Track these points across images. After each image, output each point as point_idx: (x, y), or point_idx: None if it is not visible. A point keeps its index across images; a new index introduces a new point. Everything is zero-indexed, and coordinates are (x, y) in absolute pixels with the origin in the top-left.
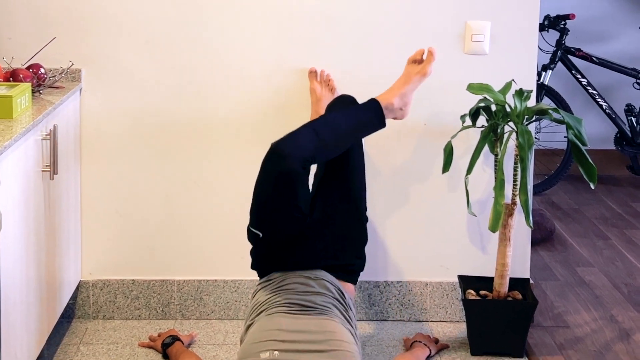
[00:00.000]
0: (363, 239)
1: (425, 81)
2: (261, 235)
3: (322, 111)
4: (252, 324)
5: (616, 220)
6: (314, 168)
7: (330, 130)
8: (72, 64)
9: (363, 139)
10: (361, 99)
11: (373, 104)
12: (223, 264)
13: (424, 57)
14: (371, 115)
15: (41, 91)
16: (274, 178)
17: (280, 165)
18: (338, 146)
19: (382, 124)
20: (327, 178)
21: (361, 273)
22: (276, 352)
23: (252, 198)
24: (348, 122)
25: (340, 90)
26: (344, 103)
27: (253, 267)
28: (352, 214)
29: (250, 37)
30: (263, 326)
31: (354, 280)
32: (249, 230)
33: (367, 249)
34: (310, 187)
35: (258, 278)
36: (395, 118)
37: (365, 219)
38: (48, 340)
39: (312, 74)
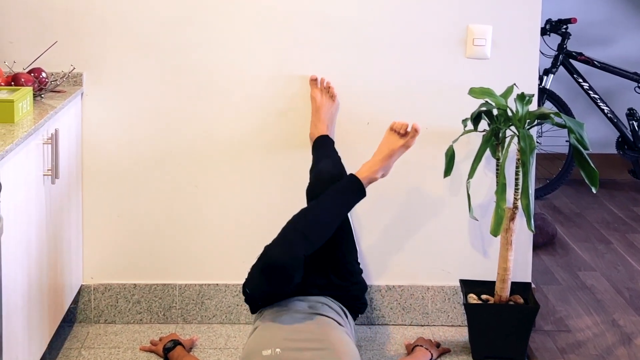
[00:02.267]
0: (362, 289)
1: (425, 84)
2: (260, 303)
3: (322, 120)
4: (256, 328)
5: (618, 225)
6: (305, 177)
7: (318, 226)
8: (74, 68)
9: (360, 141)
10: (362, 107)
11: (355, 184)
12: (224, 268)
13: (408, 129)
14: (354, 196)
15: (42, 95)
16: (269, 282)
17: (277, 273)
18: (327, 235)
19: (362, 197)
20: (318, 252)
21: (363, 276)
22: (278, 350)
23: (247, 280)
24: (333, 211)
25: (341, 97)
26: (324, 148)
27: (247, 302)
28: (347, 276)
29: (251, 42)
30: (267, 326)
31: (354, 317)
32: (244, 291)
33: (368, 252)
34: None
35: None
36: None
37: (360, 271)
38: (50, 344)
39: (313, 81)
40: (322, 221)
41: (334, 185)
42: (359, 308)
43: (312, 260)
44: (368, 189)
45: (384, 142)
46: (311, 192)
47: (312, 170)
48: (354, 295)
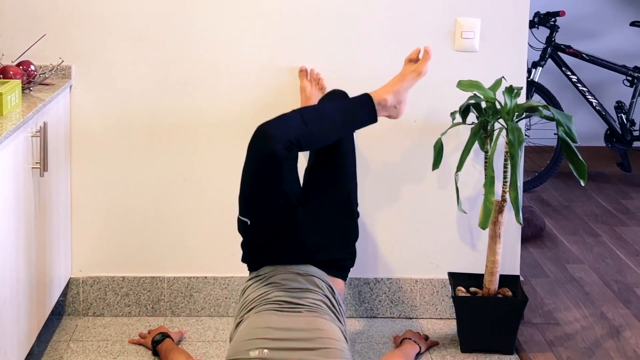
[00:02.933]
0: (354, 234)
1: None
2: (249, 222)
3: None
4: (241, 321)
5: (606, 217)
6: (303, 160)
7: (318, 117)
8: (62, 61)
9: (355, 135)
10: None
11: (364, 98)
12: (213, 261)
13: (420, 55)
14: (362, 109)
15: (31, 88)
16: (258, 159)
17: (264, 146)
18: (325, 135)
19: (373, 119)
20: (317, 169)
21: (351, 269)
22: (266, 351)
23: (240, 184)
24: (337, 113)
25: (330, 88)
26: (335, 96)
27: (243, 259)
28: (343, 208)
29: (239, 34)
30: (252, 324)
31: (344, 276)
32: (238, 220)
33: (357, 245)
34: (302, 181)
35: (248, 274)
36: (389, 116)
37: (357, 215)
38: (38, 337)
39: (302, 72)
40: (324, 117)
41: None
42: (348, 263)
43: (311, 190)
44: (358, 187)
45: (399, 73)
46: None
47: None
48: (344, 265)
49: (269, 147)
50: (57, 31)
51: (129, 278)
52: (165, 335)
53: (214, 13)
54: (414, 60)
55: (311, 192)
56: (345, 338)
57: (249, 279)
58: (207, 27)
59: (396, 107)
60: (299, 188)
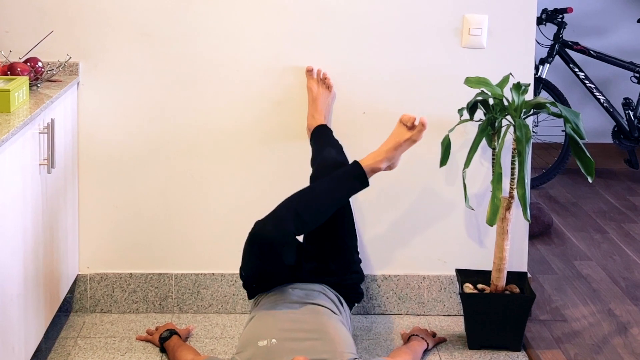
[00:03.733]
0: (359, 278)
1: (422, 74)
2: (254, 285)
3: (319, 110)
4: (251, 318)
5: (614, 214)
6: (307, 170)
7: (311, 205)
8: (70, 57)
9: (358, 133)
10: (358, 97)
11: (356, 170)
12: (220, 258)
13: (416, 123)
14: (354, 182)
15: (39, 85)
16: (258, 253)
17: (263, 246)
18: (321, 218)
19: (365, 186)
20: (316, 234)
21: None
22: (274, 340)
23: (242, 259)
24: (329, 194)
25: (337, 87)
26: (324, 141)
27: (245, 287)
28: (346, 265)
29: (247, 32)
30: (262, 318)
31: (350, 307)
32: (242, 278)
33: (365, 242)
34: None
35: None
36: (383, 171)
37: (359, 261)
38: (46, 334)
39: (309, 72)
40: (317, 202)
41: (336, 170)
42: (355, 298)
43: (311, 246)
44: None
45: (392, 133)
46: (315, 179)
47: (314, 159)
48: (351, 285)
49: (268, 246)
50: (64, 28)
51: (137, 275)
52: (172, 332)
53: (221, 10)
54: (408, 126)
55: (313, 256)
56: (351, 341)
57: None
58: (214, 24)
59: (389, 166)
60: (301, 246)
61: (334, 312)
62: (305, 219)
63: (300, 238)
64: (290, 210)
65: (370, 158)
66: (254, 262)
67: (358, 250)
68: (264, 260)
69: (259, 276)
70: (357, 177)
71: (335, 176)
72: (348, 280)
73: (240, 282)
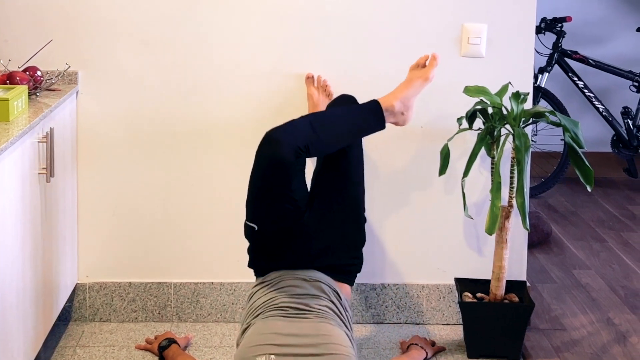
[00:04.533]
0: (361, 239)
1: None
2: (256, 227)
3: None
4: (248, 327)
5: (613, 223)
6: (310, 166)
7: (326, 124)
8: (69, 66)
9: (363, 141)
10: (359, 102)
11: (373, 104)
12: (220, 267)
13: (427, 62)
14: (370, 116)
15: (38, 94)
16: (266, 165)
17: (272, 152)
18: (334, 142)
19: (381, 125)
20: (325, 174)
21: (358, 275)
22: (272, 356)
23: (248, 190)
24: (346, 120)
25: (337, 95)
26: (344, 102)
27: (250, 264)
28: (350, 213)
29: (247, 39)
30: (259, 329)
31: (350, 281)
32: (245, 225)
33: (364, 251)
34: (309, 185)
35: (254, 280)
36: (396, 123)
37: (364, 220)
38: (44, 343)
39: (310, 79)
40: (332, 123)
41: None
42: (355, 268)
43: (320, 190)
44: (365, 192)
45: (405, 79)
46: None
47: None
48: (351, 270)
49: (277, 153)
50: (63, 37)
51: (136, 284)
52: (171, 341)
53: (221, 18)
54: (420, 65)
55: (319, 198)
56: (352, 344)
57: (256, 285)
58: (213, 32)
59: (403, 113)
60: (307, 193)
61: (335, 319)
62: (318, 134)
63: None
64: (305, 120)
65: (385, 96)
66: (260, 186)
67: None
68: (271, 183)
69: (264, 210)
70: (374, 112)
71: (353, 107)
72: (351, 268)
73: (240, 291)
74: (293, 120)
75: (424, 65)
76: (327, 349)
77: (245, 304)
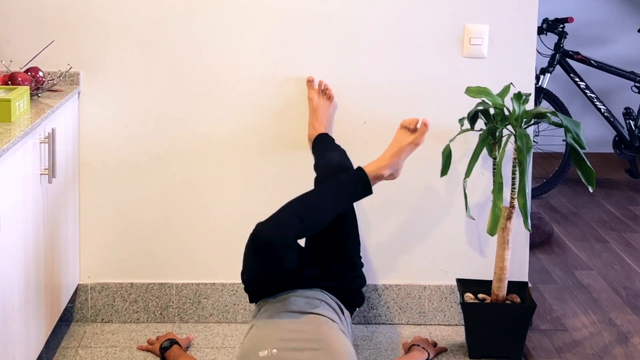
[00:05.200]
0: (361, 283)
1: (422, 84)
2: (255, 289)
3: (319, 121)
4: (251, 327)
5: (615, 224)
6: (310, 167)
7: (313, 210)
8: (71, 67)
9: (360, 141)
10: (359, 106)
11: (360, 176)
12: (221, 267)
13: (418, 126)
14: (357, 187)
15: (39, 94)
16: (260, 258)
17: (265, 250)
18: (323, 222)
19: (368, 193)
20: (319, 237)
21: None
22: (275, 351)
23: (243, 265)
24: (332, 199)
25: (338, 97)
26: (326, 147)
27: (247, 291)
28: (348, 269)
29: (247, 42)
30: (262, 327)
31: (351, 312)
32: (243, 281)
33: (366, 251)
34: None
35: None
36: (386, 179)
37: (361, 266)
38: (46, 343)
39: (310, 82)
40: (319, 207)
41: (340, 174)
42: (356, 302)
43: (314, 250)
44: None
45: (394, 139)
46: (320, 181)
47: (317, 164)
48: (352, 289)
49: (270, 250)
50: (65, 38)
51: (138, 284)
52: (173, 342)
53: (222, 20)
54: (410, 129)
55: (316, 259)
56: (352, 349)
57: (257, 305)
58: (215, 34)
59: (392, 174)
60: (302, 251)
61: (335, 321)
62: (307, 223)
63: (302, 242)
64: (292, 214)
65: (374, 164)
66: (255, 265)
67: (361, 255)
68: (264, 263)
69: (260, 280)
70: (361, 184)
71: (339, 182)
72: (350, 285)
73: (241, 292)
74: (280, 216)
75: (415, 129)
76: (328, 343)
77: (245, 305)
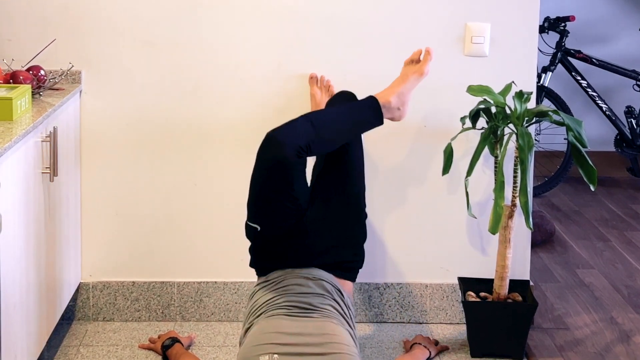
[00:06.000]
0: (362, 235)
1: (423, 81)
2: (259, 228)
3: None
4: (250, 326)
5: (616, 222)
6: (311, 162)
7: (327, 122)
8: (72, 65)
9: (363, 138)
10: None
11: (370, 100)
12: (223, 266)
13: (422, 57)
14: (368, 111)
15: (41, 93)
16: (268, 166)
17: (275, 153)
18: (334, 139)
19: (379, 121)
20: (326, 172)
21: (361, 273)
22: (275, 356)
23: (249, 190)
24: (345, 117)
25: None
26: (343, 98)
27: (251, 264)
28: (351, 210)
29: (250, 39)
30: (262, 328)
31: (352, 278)
32: (246, 226)
33: (367, 250)
34: (309, 182)
35: (256, 279)
36: (392, 118)
37: (365, 216)
38: (48, 342)
39: (313, 79)
40: (333, 122)
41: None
42: (357, 262)
43: (320, 187)
44: (369, 191)
45: (400, 74)
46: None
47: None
48: (355, 243)
49: (279, 153)
50: (67, 36)
51: (139, 283)
52: (175, 340)
53: (224, 18)
54: (415, 61)
55: (319, 195)
56: (355, 342)
57: (257, 284)
58: (217, 32)
59: (399, 108)
60: (308, 191)
61: (338, 318)
62: (320, 134)
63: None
64: (305, 121)
65: (382, 92)
66: (262, 187)
67: (366, 203)
68: (272, 183)
69: (267, 223)
70: (372, 108)
71: (351, 104)
72: (352, 236)
73: (243, 291)
74: (293, 121)
75: (419, 60)
76: (331, 348)
77: (247, 302)
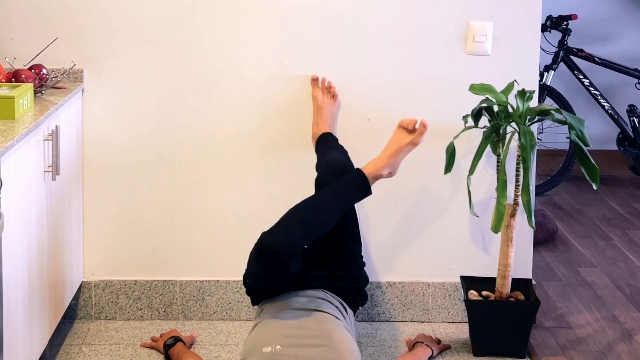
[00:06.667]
0: (364, 281)
1: (426, 81)
2: (259, 293)
3: (323, 119)
4: (255, 325)
5: (618, 221)
6: (312, 174)
7: (317, 218)
8: (74, 64)
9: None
10: (363, 103)
11: (359, 178)
12: (225, 265)
13: (417, 126)
14: (358, 191)
15: (43, 92)
16: (266, 268)
17: (271, 262)
18: (326, 226)
19: (367, 194)
20: (321, 240)
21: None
22: (278, 347)
23: (246, 271)
24: (335, 204)
25: (342, 94)
26: (331, 147)
27: (249, 294)
28: (350, 269)
29: (252, 40)
30: (266, 324)
31: (354, 310)
32: (245, 285)
33: (369, 249)
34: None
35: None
36: (384, 178)
37: (363, 265)
38: (50, 340)
39: (315, 81)
40: (322, 212)
41: (339, 178)
42: (359, 301)
43: (316, 251)
44: (373, 186)
45: (392, 139)
46: (320, 183)
47: (319, 164)
48: (355, 289)
49: (276, 261)
50: (69, 35)
51: (141, 282)
52: (177, 339)
53: (226, 17)
54: (408, 130)
55: (319, 257)
56: (354, 342)
57: (261, 305)
58: (219, 31)
59: (391, 173)
60: (305, 252)
61: (338, 319)
62: (310, 230)
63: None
64: (296, 221)
65: (372, 165)
66: (260, 274)
67: (362, 254)
68: (270, 272)
69: (265, 286)
70: (360, 186)
71: (338, 184)
72: (353, 284)
73: (244, 290)
74: (284, 222)
75: (413, 129)
76: (331, 340)
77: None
